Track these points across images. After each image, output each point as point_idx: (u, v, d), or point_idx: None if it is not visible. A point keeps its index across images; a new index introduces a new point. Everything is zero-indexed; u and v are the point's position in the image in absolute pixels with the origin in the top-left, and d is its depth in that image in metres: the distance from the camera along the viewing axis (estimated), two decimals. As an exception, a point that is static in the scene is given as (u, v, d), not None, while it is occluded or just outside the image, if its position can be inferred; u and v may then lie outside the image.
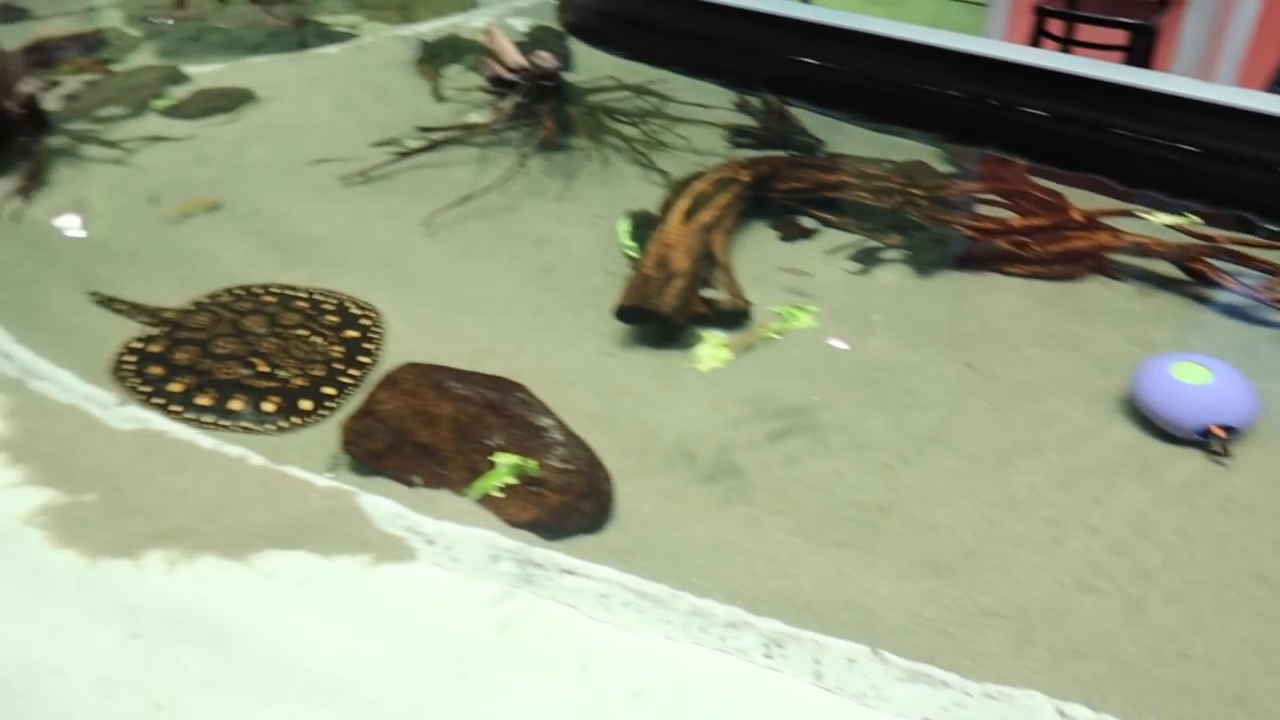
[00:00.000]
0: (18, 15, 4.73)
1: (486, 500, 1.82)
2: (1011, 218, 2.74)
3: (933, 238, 2.69)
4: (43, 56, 4.13)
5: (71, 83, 3.82)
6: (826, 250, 2.73)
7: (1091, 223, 2.62)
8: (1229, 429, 2.01)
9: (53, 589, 1.68)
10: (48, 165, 3.13)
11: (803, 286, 2.57)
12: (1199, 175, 2.91)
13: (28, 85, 3.21)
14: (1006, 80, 3.21)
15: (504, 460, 1.70)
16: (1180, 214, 2.59)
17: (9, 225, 2.81)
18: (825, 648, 1.58)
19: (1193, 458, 2.03)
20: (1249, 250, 2.52)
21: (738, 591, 1.70)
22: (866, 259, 2.68)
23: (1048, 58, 3.26)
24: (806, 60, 3.60)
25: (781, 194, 2.89)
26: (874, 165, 3.01)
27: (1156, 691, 1.56)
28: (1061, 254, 2.60)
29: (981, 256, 2.65)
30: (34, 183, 3.01)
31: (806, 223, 2.84)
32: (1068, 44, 4.42)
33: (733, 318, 2.36)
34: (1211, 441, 2.01)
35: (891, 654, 1.57)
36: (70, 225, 2.85)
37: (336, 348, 2.25)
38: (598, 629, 1.64)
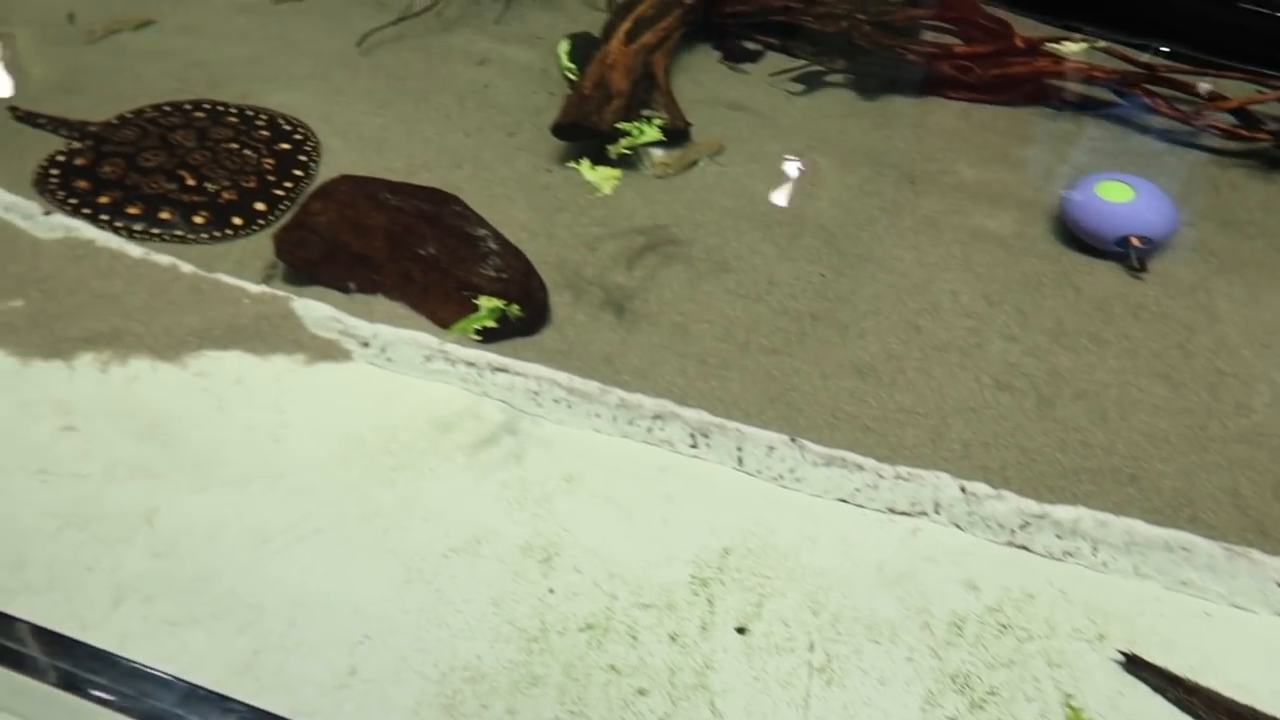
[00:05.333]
0: None
1: (419, 303, 1.84)
2: (955, 43, 2.71)
3: (877, 62, 2.66)
4: None
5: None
6: (770, 74, 2.70)
7: (1033, 49, 2.61)
8: (1147, 240, 2.07)
9: (-15, 387, 1.69)
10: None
11: (744, 106, 2.55)
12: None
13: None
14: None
15: (486, 304, 1.70)
16: (1089, 40, 2.60)
17: (-81, 40, 2.68)
18: (747, 436, 1.64)
19: (1112, 271, 2.10)
20: (1183, 77, 2.53)
21: (668, 391, 1.76)
22: (809, 82, 2.65)
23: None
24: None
25: (726, 18, 2.83)
26: (821, -9, 2.95)
27: (1058, 474, 1.66)
28: (1002, 79, 2.59)
29: (924, 81, 2.63)
30: (-57, -4, 2.85)
31: (751, 47, 2.79)
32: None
33: (672, 137, 2.35)
34: (1131, 253, 2.07)
35: (810, 442, 1.64)
36: (-16, 40, 2.72)
37: (268, 160, 2.21)
38: (529, 421, 1.69)
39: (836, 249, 2.13)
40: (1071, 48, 2.58)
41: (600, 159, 1.99)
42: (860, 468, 1.60)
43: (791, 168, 2.36)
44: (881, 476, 1.60)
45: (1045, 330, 1.96)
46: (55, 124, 2.31)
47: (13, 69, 2.58)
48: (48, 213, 2.01)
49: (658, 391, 1.74)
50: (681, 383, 1.79)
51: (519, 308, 1.75)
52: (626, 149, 2.06)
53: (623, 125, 2.13)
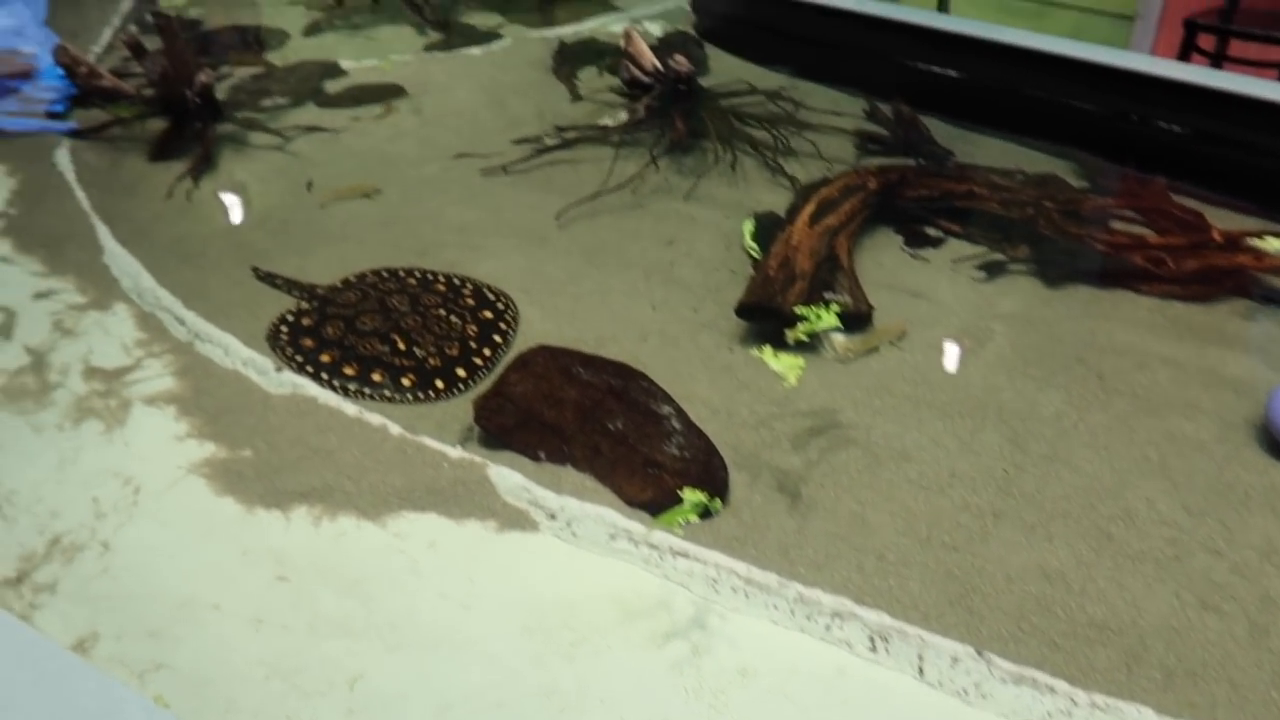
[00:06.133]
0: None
1: (605, 476, 1.91)
2: (1148, 234, 2.68)
3: (1063, 251, 2.65)
4: (209, 49, 4.45)
5: (238, 74, 4.11)
6: (953, 259, 2.72)
7: (1233, 243, 2.54)
8: (1371, 461, 1.94)
9: (212, 532, 1.85)
10: (217, 150, 3.39)
11: (925, 293, 2.58)
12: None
13: (204, 76, 3.48)
14: (1150, 95, 3.13)
15: (690, 496, 1.79)
16: None
17: (182, 203, 3.06)
18: (929, 644, 1.60)
19: (1330, 488, 1.96)
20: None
21: (845, 586, 1.74)
22: (992, 270, 2.66)
23: (1197, 73, 3.16)
24: (940, 70, 3.58)
25: (909, 202, 2.90)
26: (1005, 177, 2.99)
27: (1276, 718, 1.53)
28: (1199, 273, 2.53)
29: (1114, 272, 2.60)
30: (205, 165, 3.27)
31: (933, 232, 2.84)
32: (1220, 60, 4.26)
33: (854, 321, 2.39)
34: (1351, 472, 1.94)
35: (996, 656, 1.58)
36: (235, 205, 3.08)
37: (471, 327, 2.38)
38: (706, 608, 1.70)
39: (1021, 445, 2.09)
40: (1276, 244, 2.50)
41: (780, 341, 2.05)
42: (1052, 690, 1.53)
43: (975, 356, 2.35)
44: (1075, 703, 1.52)
45: (1254, 548, 1.84)
46: (288, 285, 2.58)
47: (255, 231, 2.91)
48: (279, 369, 2.23)
49: (835, 587, 1.73)
50: (859, 579, 1.77)
51: (720, 502, 1.80)
52: (804, 335, 2.12)
53: (801, 310, 2.19)
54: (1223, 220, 2.71)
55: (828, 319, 2.12)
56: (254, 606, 1.70)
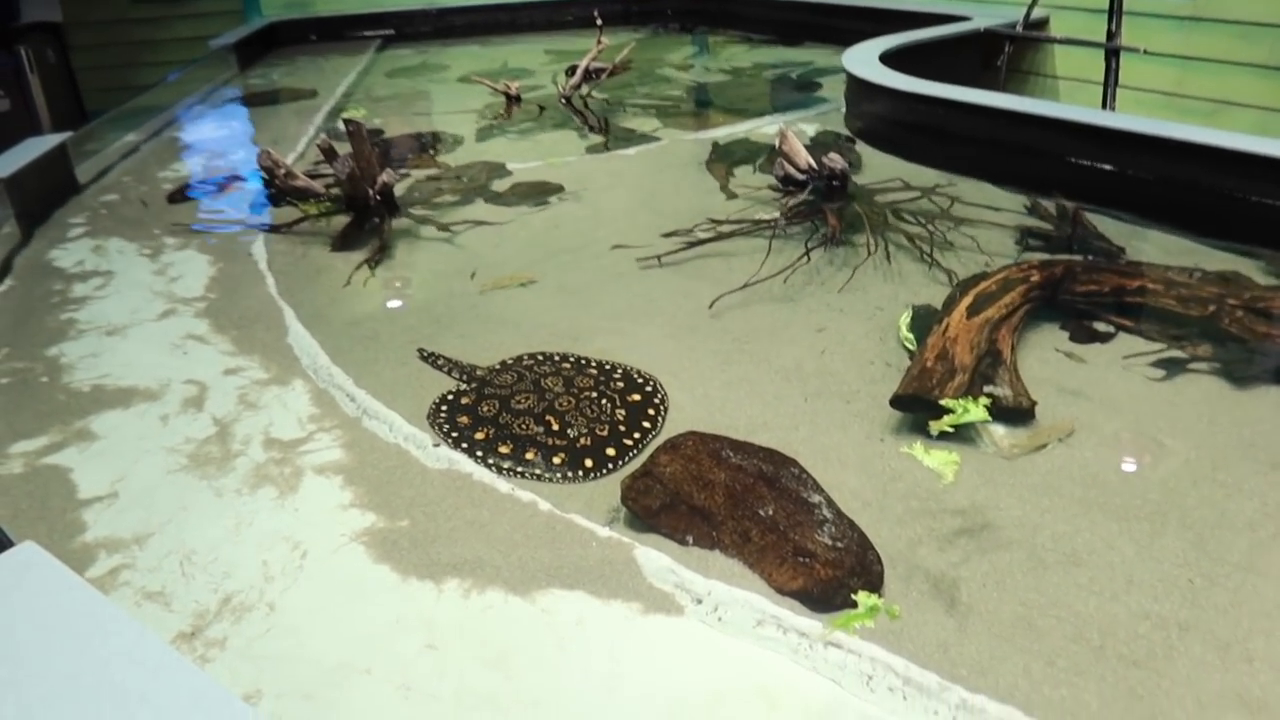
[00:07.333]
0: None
1: (754, 563, 1.87)
2: (1348, 333, 2.47)
3: (1250, 350, 2.48)
4: (390, 153, 4.81)
5: (415, 175, 4.41)
6: (1124, 356, 2.58)
7: None
8: None
9: (368, 599, 1.90)
10: (393, 242, 3.62)
11: (1096, 391, 2.44)
12: None
13: (386, 176, 3.75)
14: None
15: (866, 600, 1.74)
16: None
17: (359, 290, 3.27)
18: (1109, 764, 1.46)
19: None
20: None
21: (1010, 694, 1.62)
22: (1170, 368, 2.50)
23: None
24: (1103, 166, 3.48)
25: (1076, 296, 2.79)
26: (1181, 272, 2.84)
27: None
28: None
29: (1308, 372, 2.40)
30: (381, 255, 3.49)
31: (1101, 328, 2.71)
32: None
33: (1015, 416, 2.29)
34: None
35: (1187, 784, 1.43)
36: (406, 292, 3.27)
37: (621, 410, 2.41)
38: (861, 708, 1.62)
39: (1208, 553, 1.92)
40: None
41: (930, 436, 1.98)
42: (1254, 828, 1.36)
43: (1151, 458, 2.20)
44: (1283, 844, 1.34)
45: None
46: (450, 365, 2.69)
47: (422, 316, 3.07)
48: (436, 444, 2.31)
49: (999, 694, 1.61)
50: (1026, 686, 1.64)
51: (898, 610, 1.73)
52: (949, 426, 2.04)
53: (947, 403, 2.11)
54: None
55: (975, 412, 2.04)
56: (403, 674, 1.72)
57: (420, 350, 2.79)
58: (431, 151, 4.92)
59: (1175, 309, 2.66)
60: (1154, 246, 3.16)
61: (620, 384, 2.55)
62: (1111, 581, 1.86)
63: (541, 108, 5.78)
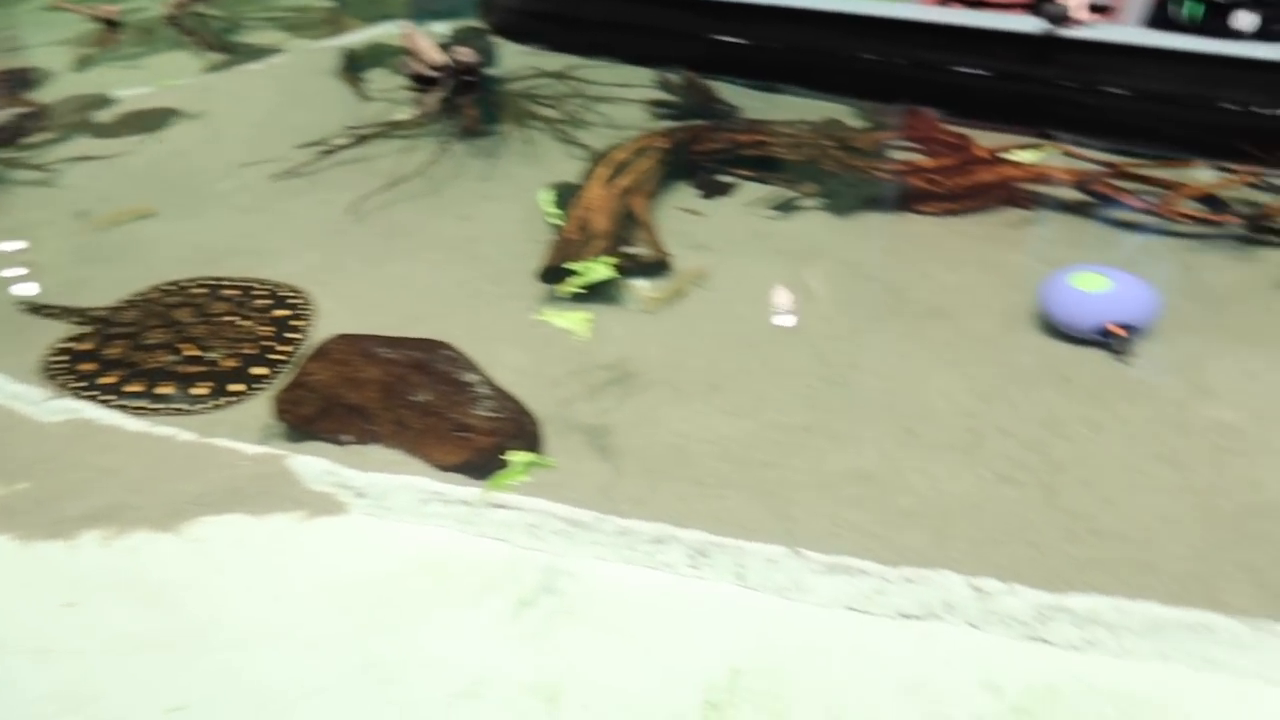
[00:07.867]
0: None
1: (415, 447, 1.86)
2: (921, 159, 2.82)
3: (847, 183, 2.77)
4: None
5: (1, 115, 3.82)
6: (745, 203, 2.80)
7: (995, 158, 2.71)
8: (1130, 328, 2.09)
9: (-15, 573, 1.69)
10: (-27, 190, 3.13)
11: (724, 236, 2.63)
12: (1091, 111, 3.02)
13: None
14: (914, 39, 3.30)
15: (518, 458, 1.73)
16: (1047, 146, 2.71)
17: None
18: (747, 552, 1.62)
19: (1100, 359, 2.11)
20: (1143, 171, 2.61)
21: (666, 515, 1.75)
22: (785, 207, 2.75)
23: (949, 14, 3.35)
24: (721, 38, 3.67)
25: (700, 156, 2.96)
26: (788, 125, 3.09)
27: (1069, 565, 1.62)
28: (970, 188, 2.68)
29: (895, 196, 2.73)
30: (-41, 208, 3.01)
31: (725, 180, 2.91)
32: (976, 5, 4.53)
33: (654, 269, 2.42)
34: (1113, 341, 2.08)
35: (812, 552, 1.62)
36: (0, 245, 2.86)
37: (265, 327, 2.28)
38: (530, 556, 1.68)
39: (825, 361, 2.15)
40: (1030, 154, 2.68)
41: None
42: (864, 573, 1.58)
43: (775, 288, 2.41)
44: (887, 580, 1.57)
45: (1041, 421, 1.95)
46: (63, 313, 2.40)
47: (22, 264, 2.70)
48: (50, 399, 2.07)
49: (656, 516, 1.73)
50: (680, 507, 1.78)
51: (553, 461, 1.77)
52: (580, 288, 2.12)
53: (570, 265, 2.19)
54: (988, 142, 2.88)
55: (600, 270, 2.13)
56: (38, 638, 1.56)
57: (22, 302, 2.47)
58: (21, 91, 4.27)
59: (786, 157, 2.91)
60: (768, 105, 3.41)
61: (264, 301, 2.40)
62: (747, 401, 2.04)
63: (149, 31, 5.18)
